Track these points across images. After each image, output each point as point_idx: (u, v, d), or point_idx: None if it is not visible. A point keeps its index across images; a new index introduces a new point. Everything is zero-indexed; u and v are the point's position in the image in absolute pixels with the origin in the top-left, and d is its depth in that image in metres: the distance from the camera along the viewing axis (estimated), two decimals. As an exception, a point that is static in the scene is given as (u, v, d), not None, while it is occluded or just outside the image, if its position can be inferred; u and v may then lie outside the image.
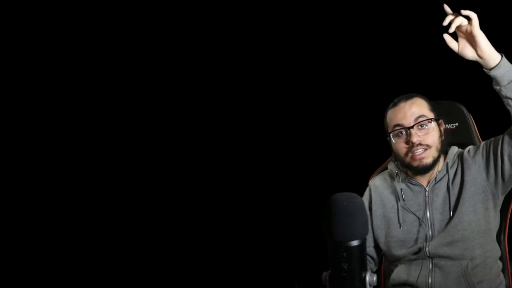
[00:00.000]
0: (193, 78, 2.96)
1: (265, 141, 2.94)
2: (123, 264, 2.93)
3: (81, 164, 2.99)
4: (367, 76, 2.78)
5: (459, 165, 1.80)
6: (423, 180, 1.84)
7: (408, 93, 1.84)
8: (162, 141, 2.98)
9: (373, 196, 1.92)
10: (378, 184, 1.93)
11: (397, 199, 1.86)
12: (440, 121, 1.82)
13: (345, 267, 1.18)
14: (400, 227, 1.83)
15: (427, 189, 1.82)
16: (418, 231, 1.80)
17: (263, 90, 2.91)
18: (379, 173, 2.04)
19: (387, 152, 1.90)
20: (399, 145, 1.78)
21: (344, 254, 1.18)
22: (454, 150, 1.86)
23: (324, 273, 1.25)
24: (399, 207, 1.85)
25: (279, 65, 2.87)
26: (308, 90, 2.88)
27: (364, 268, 1.21)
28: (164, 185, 2.99)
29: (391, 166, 1.94)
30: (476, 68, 1.57)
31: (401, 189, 1.85)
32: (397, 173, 1.88)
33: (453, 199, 1.77)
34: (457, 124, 1.96)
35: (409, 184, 1.86)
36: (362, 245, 1.20)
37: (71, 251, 2.94)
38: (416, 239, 1.80)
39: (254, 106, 2.93)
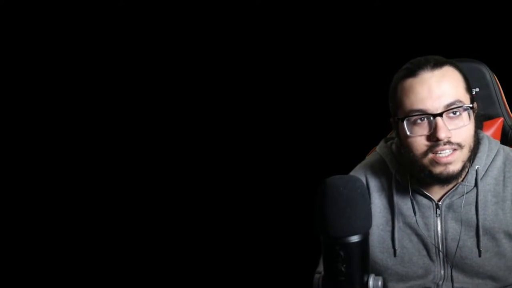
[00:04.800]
0: (193, 78, 2.91)
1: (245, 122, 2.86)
2: (123, 264, 2.89)
3: (81, 164, 2.99)
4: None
5: (503, 177, 1.32)
6: (436, 190, 1.32)
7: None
8: (155, 140, 2.97)
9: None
10: (369, 177, 1.42)
11: (394, 210, 1.34)
12: (475, 105, 1.28)
13: (343, 269, 1.01)
14: (394, 255, 1.34)
15: (439, 205, 1.31)
16: (424, 265, 1.33)
17: (255, 83, 2.84)
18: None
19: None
20: (416, 141, 1.23)
21: (341, 252, 1.01)
22: (485, 146, 1.33)
23: (316, 276, 1.12)
24: (396, 224, 1.33)
25: (273, 59, 2.80)
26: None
27: (366, 271, 1.03)
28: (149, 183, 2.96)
29: (384, 153, 1.39)
30: (499, 18, 1.31)
31: (411, 199, 1.33)
32: (396, 171, 1.34)
33: (483, 227, 1.28)
34: (477, 89, 1.57)
35: (414, 194, 1.33)
36: (364, 242, 1.02)
37: (71, 251, 2.93)
38: (421, 276, 1.34)
39: (242, 95, 2.86)
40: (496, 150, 1.34)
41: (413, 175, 1.32)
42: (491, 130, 1.55)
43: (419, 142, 1.23)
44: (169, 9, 2.86)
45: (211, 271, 2.76)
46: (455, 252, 1.29)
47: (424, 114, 1.21)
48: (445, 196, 1.29)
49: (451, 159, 1.22)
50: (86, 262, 2.89)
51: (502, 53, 2.18)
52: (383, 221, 1.35)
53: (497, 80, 1.60)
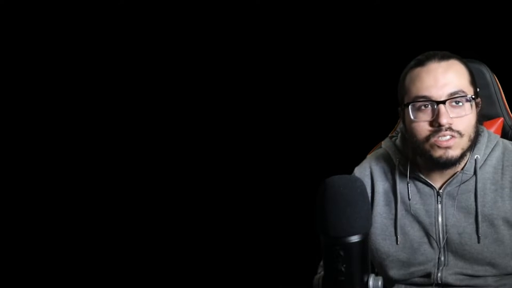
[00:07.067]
0: (193, 78, 2.91)
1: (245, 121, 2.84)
2: (123, 264, 2.88)
3: (81, 164, 2.98)
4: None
5: (501, 166, 1.36)
6: (437, 179, 1.37)
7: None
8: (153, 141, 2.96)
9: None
10: (374, 167, 1.47)
11: (396, 198, 1.40)
12: (478, 100, 1.35)
13: (343, 269, 1.01)
14: (396, 242, 1.39)
15: (440, 193, 1.36)
16: (425, 252, 1.37)
17: (255, 83, 2.83)
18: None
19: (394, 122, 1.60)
20: (419, 126, 1.29)
21: (341, 252, 1.01)
22: (485, 138, 1.38)
23: (316, 277, 1.11)
24: (398, 212, 1.39)
25: (273, 59, 2.79)
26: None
27: (366, 270, 1.03)
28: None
29: (388, 147, 1.45)
30: (499, 18, 1.32)
31: (407, 184, 1.38)
32: (398, 162, 1.40)
33: (482, 214, 1.33)
34: (477, 89, 1.49)
35: (416, 182, 1.39)
36: (364, 242, 1.02)
37: (71, 251, 2.92)
38: (422, 262, 1.37)
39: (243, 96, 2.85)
40: (495, 142, 1.40)
41: (414, 164, 1.37)
42: (491, 130, 1.55)
43: (422, 127, 1.29)
44: (169, 9, 2.84)
45: (211, 271, 2.75)
46: (446, 237, 1.33)
47: (428, 100, 1.28)
48: (445, 184, 1.34)
49: (451, 143, 1.27)
50: (86, 262, 2.87)
51: (502, 53, 2.18)
52: (386, 209, 1.40)
53: (497, 80, 1.61)
